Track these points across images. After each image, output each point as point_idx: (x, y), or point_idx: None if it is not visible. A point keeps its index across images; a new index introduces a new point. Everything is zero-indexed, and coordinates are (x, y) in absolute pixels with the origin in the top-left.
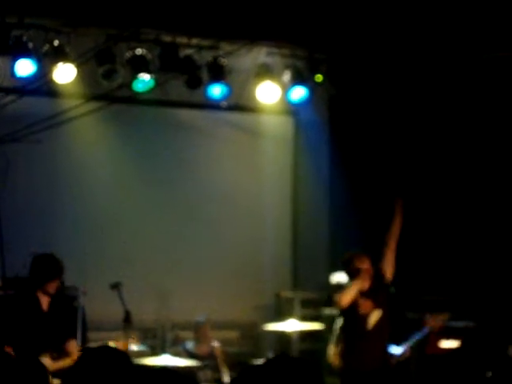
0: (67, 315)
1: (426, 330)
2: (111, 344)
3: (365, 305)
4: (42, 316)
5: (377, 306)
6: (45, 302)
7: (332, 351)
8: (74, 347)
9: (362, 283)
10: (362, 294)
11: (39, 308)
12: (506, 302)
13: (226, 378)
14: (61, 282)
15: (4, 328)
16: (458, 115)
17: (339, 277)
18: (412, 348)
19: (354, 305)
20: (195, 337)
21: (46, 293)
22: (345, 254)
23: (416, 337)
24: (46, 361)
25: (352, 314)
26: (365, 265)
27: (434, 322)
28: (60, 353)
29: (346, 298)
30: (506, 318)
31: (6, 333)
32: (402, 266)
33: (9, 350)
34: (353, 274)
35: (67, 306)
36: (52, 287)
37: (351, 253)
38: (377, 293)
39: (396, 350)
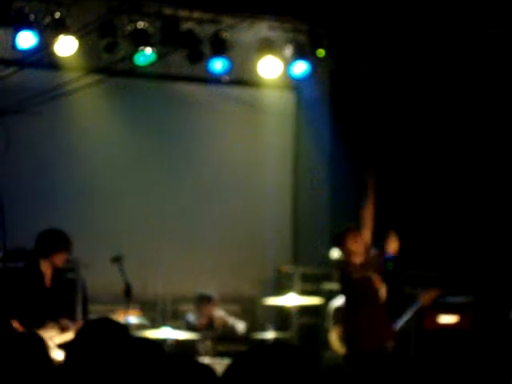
0: (66, 292)
1: (417, 305)
2: (112, 316)
3: (375, 279)
4: (45, 291)
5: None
6: (48, 277)
7: (333, 337)
8: (66, 324)
9: (360, 260)
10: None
11: (43, 283)
12: (503, 275)
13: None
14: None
15: (9, 301)
16: (460, 89)
17: (339, 252)
18: (405, 323)
19: (366, 279)
20: (197, 309)
21: (52, 264)
22: (336, 231)
23: (408, 312)
24: (53, 333)
25: (366, 287)
26: (356, 245)
27: (426, 296)
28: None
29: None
30: (504, 288)
31: (12, 306)
32: (399, 241)
33: (16, 324)
34: (347, 255)
35: (67, 283)
36: (60, 259)
37: (343, 230)
38: (378, 267)
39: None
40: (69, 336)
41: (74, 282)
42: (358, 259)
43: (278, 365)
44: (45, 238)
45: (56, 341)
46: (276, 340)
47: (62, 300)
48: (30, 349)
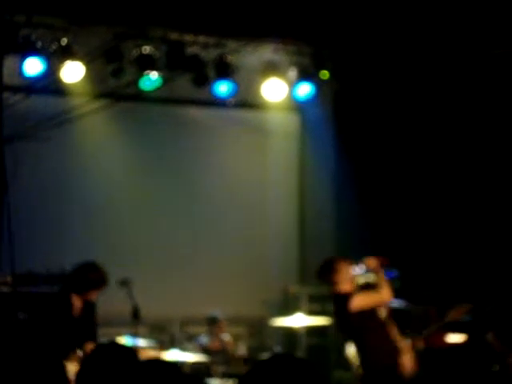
0: (91, 320)
1: (445, 319)
2: (119, 340)
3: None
4: (72, 321)
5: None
6: (77, 307)
7: (351, 351)
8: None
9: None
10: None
11: (71, 313)
12: (507, 294)
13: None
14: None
15: (41, 328)
16: (462, 108)
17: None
18: (426, 339)
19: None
20: (209, 331)
21: (86, 299)
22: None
23: (432, 327)
24: (75, 364)
25: (366, 310)
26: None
27: (455, 312)
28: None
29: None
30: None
31: (43, 333)
32: (405, 261)
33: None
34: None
35: (92, 312)
36: (94, 295)
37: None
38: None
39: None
40: None
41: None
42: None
43: (288, 376)
44: (83, 274)
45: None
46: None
47: (89, 328)
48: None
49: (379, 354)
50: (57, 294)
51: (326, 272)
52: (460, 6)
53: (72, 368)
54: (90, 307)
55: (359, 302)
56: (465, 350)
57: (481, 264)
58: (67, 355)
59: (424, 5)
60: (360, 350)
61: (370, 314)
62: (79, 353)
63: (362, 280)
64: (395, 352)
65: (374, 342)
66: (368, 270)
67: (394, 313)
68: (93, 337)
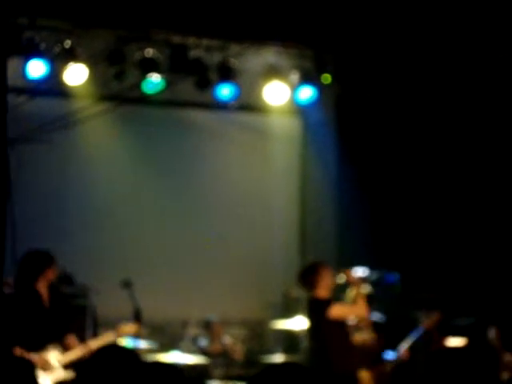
0: (65, 311)
1: (420, 330)
2: (120, 341)
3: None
4: (44, 312)
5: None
6: (45, 297)
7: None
8: (73, 341)
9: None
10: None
11: (41, 304)
12: (506, 297)
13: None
14: (58, 273)
15: (10, 327)
16: (465, 111)
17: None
18: (410, 349)
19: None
20: (208, 334)
21: (47, 281)
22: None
23: (411, 337)
24: (55, 354)
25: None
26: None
27: (428, 321)
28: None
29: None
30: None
31: (13, 331)
32: (405, 263)
33: (17, 350)
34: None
35: (65, 303)
36: (52, 273)
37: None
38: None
39: (391, 354)
40: (75, 354)
41: (83, 308)
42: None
43: None
44: (32, 259)
45: (61, 361)
46: (286, 361)
47: (62, 318)
48: (20, 373)
49: (341, 363)
50: (21, 289)
51: (310, 274)
52: (462, 9)
53: (57, 355)
54: (59, 297)
55: (338, 310)
56: (466, 353)
57: (483, 269)
58: (44, 346)
59: (425, 8)
60: (323, 356)
61: (342, 324)
62: (68, 341)
63: (365, 290)
64: (355, 363)
65: (338, 350)
66: (347, 282)
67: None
68: (68, 328)
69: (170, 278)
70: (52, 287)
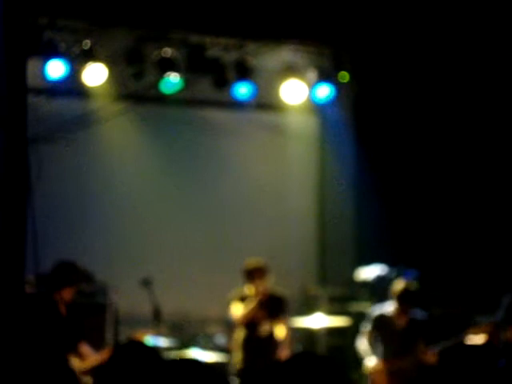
0: (79, 318)
1: (461, 338)
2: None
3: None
4: (60, 319)
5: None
6: (62, 306)
7: (364, 342)
8: (87, 349)
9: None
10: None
11: (58, 311)
12: None
13: None
14: (79, 289)
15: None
16: (485, 108)
17: (365, 273)
18: (440, 353)
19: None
20: (226, 332)
21: (61, 298)
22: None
23: (447, 342)
24: (75, 361)
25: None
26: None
27: (476, 332)
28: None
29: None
30: None
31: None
32: (424, 260)
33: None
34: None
35: (80, 309)
36: (68, 293)
37: (253, 265)
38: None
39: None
40: (90, 362)
41: (103, 306)
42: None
43: (307, 373)
44: (58, 272)
45: (77, 368)
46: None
47: (78, 326)
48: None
49: None
50: (42, 294)
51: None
52: (482, 7)
53: (76, 362)
54: (74, 305)
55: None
56: (485, 351)
57: (503, 266)
58: (63, 352)
59: (443, 7)
60: None
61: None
62: (82, 350)
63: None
64: None
65: None
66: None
67: (412, 322)
68: (81, 337)
69: (189, 275)
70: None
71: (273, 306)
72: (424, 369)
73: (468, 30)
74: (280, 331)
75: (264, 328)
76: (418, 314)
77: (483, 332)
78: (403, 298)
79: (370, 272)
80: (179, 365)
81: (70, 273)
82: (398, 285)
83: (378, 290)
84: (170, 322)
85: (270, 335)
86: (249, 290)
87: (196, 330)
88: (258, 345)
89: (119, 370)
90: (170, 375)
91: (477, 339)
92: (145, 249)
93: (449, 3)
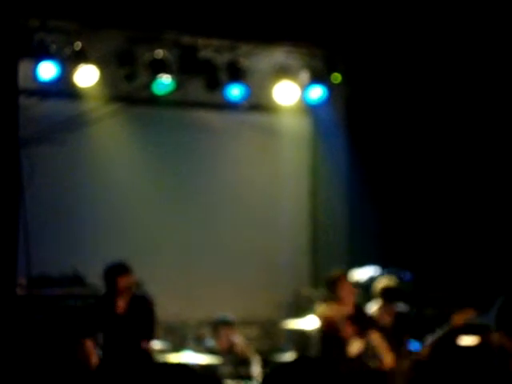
0: (142, 316)
1: (449, 325)
2: None
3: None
4: (117, 319)
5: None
6: (121, 305)
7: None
8: (149, 347)
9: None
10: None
11: (114, 311)
12: None
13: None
14: (133, 283)
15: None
16: (476, 109)
17: (358, 274)
18: (431, 346)
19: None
20: (215, 334)
21: (119, 290)
22: (329, 275)
23: (439, 331)
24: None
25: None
26: (346, 291)
27: (458, 316)
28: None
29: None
30: None
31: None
32: (417, 262)
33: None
34: (334, 299)
35: (143, 307)
36: (122, 282)
37: (335, 275)
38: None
39: (415, 345)
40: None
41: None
42: (348, 306)
43: (303, 378)
44: (105, 271)
45: None
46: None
47: (138, 326)
48: None
49: None
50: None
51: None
52: (476, 10)
53: None
54: (136, 303)
55: None
56: (479, 352)
57: (497, 267)
58: (121, 352)
59: (437, 9)
60: None
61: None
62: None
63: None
64: None
65: None
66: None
67: (399, 316)
68: (148, 334)
69: (181, 278)
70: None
71: None
72: (417, 365)
73: (459, 32)
74: None
75: None
76: (403, 307)
77: (465, 317)
78: (385, 295)
79: (362, 273)
80: (169, 369)
81: (115, 264)
82: (379, 283)
83: (370, 292)
84: (164, 325)
85: None
86: None
87: (188, 333)
88: None
89: (116, 373)
90: (160, 379)
91: (470, 341)
92: (137, 251)
93: (440, 5)
